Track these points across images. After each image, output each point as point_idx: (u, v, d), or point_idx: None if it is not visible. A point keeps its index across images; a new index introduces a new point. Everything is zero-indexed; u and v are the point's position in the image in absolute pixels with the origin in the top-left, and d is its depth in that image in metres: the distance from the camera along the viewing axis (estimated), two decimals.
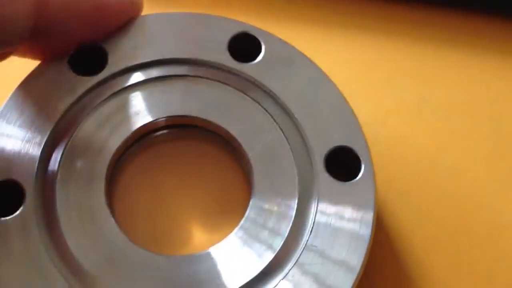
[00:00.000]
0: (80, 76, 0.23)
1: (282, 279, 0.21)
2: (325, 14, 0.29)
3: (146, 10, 0.25)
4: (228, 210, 0.24)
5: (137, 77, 0.24)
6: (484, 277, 0.24)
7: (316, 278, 0.20)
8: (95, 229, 0.21)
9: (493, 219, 0.25)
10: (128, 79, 0.24)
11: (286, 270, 0.21)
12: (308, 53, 0.25)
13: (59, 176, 0.22)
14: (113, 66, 0.24)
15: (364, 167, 0.22)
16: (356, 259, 0.21)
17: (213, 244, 0.22)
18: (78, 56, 0.24)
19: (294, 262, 0.21)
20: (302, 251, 0.21)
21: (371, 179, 0.22)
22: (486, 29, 0.28)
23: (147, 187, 0.24)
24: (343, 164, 0.23)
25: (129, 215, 0.23)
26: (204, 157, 0.25)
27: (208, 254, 0.21)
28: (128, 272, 0.21)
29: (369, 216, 0.22)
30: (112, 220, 0.22)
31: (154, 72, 0.24)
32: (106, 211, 0.22)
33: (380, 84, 0.28)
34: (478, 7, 0.29)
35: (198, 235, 0.24)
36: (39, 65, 0.24)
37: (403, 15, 0.29)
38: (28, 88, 0.23)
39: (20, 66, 0.24)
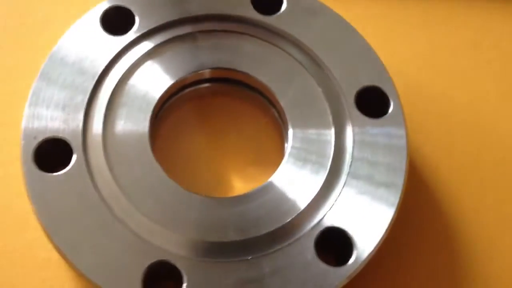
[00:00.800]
0: (113, 35, 0.24)
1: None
2: None
3: None
4: (262, 161, 0.25)
5: (168, 34, 0.25)
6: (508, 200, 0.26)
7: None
8: (143, 175, 0.22)
9: (489, 132, 0.27)
10: (159, 36, 0.25)
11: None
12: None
13: (103, 129, 0.23)
14: (143, 25, 0.24)
15: (393, 103, 0.24)
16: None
17: (253, 187, 0.23)
18: (108, 17, 0.24)
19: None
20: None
21: (400, 114, 0.24)
22: None
23: (185, 138, 0.25)
24: (372, 104, 0.24)
25: (172, 162, 0.24)
26: (237, 109, 0.26)
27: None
28: (181, 215, 0.22)
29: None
30: (159, 166, 0.22)
31: (184, 29, 0.25)
32: (152, 158, 0.23)
33: (394, 33, 0.29)
34: None
35: (237, 182, 0.25)
36: (72, 26, 0.24)
37: None
38: (65, 48, 0.24)
39: None
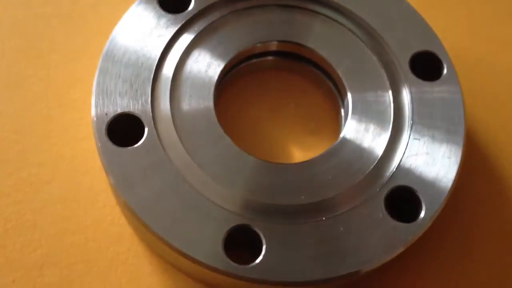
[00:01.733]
0: (171, 14, 0.25)
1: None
2: None
3: None
4: (320, 131, 0.26)
5: (224, 10, 0.25)
6: None
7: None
8: (213, 146, 0.23)
9: None
10: (217, 12, 0.25)
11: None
12: None
13: (170, 102, 0.23)
14: (200, 2, 0.25)
15: (447, 66, 0.25)
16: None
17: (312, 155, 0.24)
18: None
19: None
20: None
21: (454, 75, 0.25)
22: None
23: (246, 109, 0.26)
24: (426, 68, 0.25)
25: (237, 131, 0.25)
26: (295, 81, 0.27)
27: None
28: (254, 181, 0.22)
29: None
30: (227, 137, 0.23)
31: (239, 5, 0.25)
32: (219, 128, 0.23)
33: (433, 4, 0.30)
34: None
35: (296, 151, 0.25)
36: (132, 6, 0.25)
37: None
38: (127, 28, 0.24)
39: None
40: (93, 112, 0.23)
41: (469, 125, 0.27)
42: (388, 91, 0.24)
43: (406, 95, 0.24)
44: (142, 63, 0.24)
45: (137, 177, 0.22)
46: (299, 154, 0.25)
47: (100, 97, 0.23)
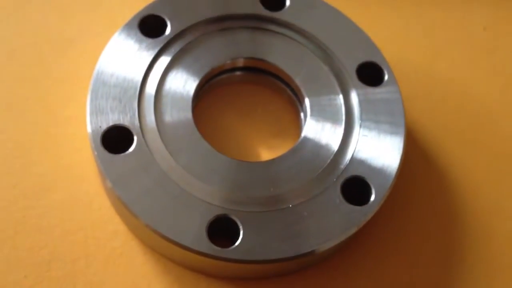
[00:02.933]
0: (151, 38, 0.29)
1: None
2: None
3: None
4: (283, 132, 0.30)
5: (195, 34, 0.29)
6: (481, 146, 0.32)
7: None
8: (194, 149, 0.27)
9: (481, 107, 0.33)
10: (189, 36, 0.29)
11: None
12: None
13: (155, 113, 0.27)
14: (175, 28, 0.29)
15: (387, 73, 0.29)
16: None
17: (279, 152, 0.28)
18: (145, 23, 0.29)
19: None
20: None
21: (393, 80, 0.29)
22: None
23: (218, 119, 0.30)
24: (370, 76, 0.29)
25: (214, 135, 0.29)
26: (260, 94, 0.31)
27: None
28: (231, 178, 0.26)
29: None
30: (205, 141, 0.27)
31: (209, 28, 0.30)
32: (197, 132, 0.27)
33: (373, 20, 0.34)
34: None
35: (263, 150, 0.30)
36: (116, 33, 0.29)
37: None
38: (113, 52, 0.28)
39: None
40: (88, 125, 0.26)
41: (409, 126, 0.31)
42: (339, 95, 0.29)
43: (354, 98, 0.29)
44: (128, 82, 0.28)
45: (129, 178, 0.26)
46: (266, 154, 0.29)
47: (94, 113, 0.27)
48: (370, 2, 0.35)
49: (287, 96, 0.30)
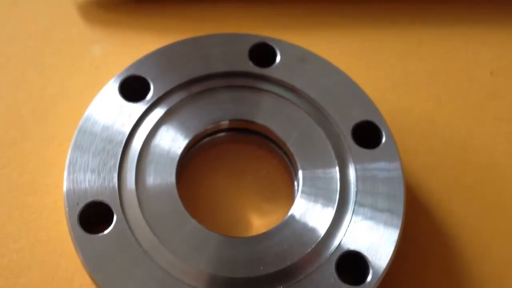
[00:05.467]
0: (132, 102, 0.27)
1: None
2: (313, 20, 0.34)
3: (170, 40, 0.29)
4: (275, 197, 0.28)
5: (179, 96, 0.28)
6: (488, 203, 0.30)
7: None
8: (177, 224, 0.25)
9: (487, 160, 0.31)
10: (172, 99, 0.28)
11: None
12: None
13: (136, 186, 0.26)
14: (158, 90, 0.27)
15: (385, 134, 0.27)
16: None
17: (271, 226, 0.26)
18: (126, 86, 0.27)
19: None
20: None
21: (392, 142, 0.27)
22: (445, 6, 0.34)
23: (206, 185, 0.28)
24: (367, 136, 0.27)
25: (199, 207, 0.27)
26: (248, 154, 0.29)
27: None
28: (212, 255, 0.25)
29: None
30: (190, 216, 0.25)
31: (193, 89, 0.28)
32: (182, 208, 0.25)
33: (373, 67, 0.32)
34: None
35: (255, 219, 0.28)
36: (95, 98, 0.27)
37: (377, 7, 0.34)
38: (92, 119, 0.27)
39: None
40: (65, 202, 0.25)
41: (410, 183, 0.29)
42: (335, 167, 0.27)
43: (351, 170, 0.27)
44: (108, 151, 0.26)
45: (108, 259, 0.24)
46: (258, 221, 0.28)
47: (71, 187, 0.25)
48: (367, 51, 0.33)
49: (278, 157, 0.29)
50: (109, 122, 0.27)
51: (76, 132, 0.26)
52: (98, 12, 0.32)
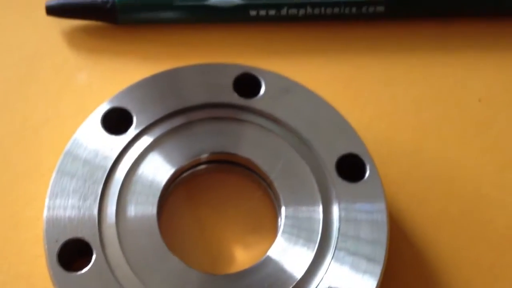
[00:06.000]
0: (114, 135, 0.27)
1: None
2: (300, 47, 0.33)
3: (146, 74, 0.29)
4: (259, 231, 0.28)
5: (162, 128, 0.27)
6: (474, 237, 0.29)
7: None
8: (157, 262, 0.25)
9: (475, 192, 0.30)
10: (155, 131, 0.27)
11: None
12: (299, 79, 0.29)
13: (116, 223, 0.25)
14: (140, 122, 0.27)
15: (369, 167, 0.27)
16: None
17: (254, 259, 0.26)
18: (109, 118, 0.27)
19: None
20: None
21: (376, 176, 0.27)
22: (438, 31, 0.34)
23: (189, 219, 0.28)
24: (352, 168, 0.27)
25: (178, 244, 0.27)
26: (232, 186, 0.29)
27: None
28: None
29: (382, 205, 0.26)
30: (170, 253, 0.25)
31: (176, 121, 0.28)
32: (163, 245, 0.25)
33: (361, 94, 0.32)
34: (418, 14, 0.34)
35: (238, 254, 0.28)
36: (77, 131, 0.27)
37: (365, 34, 0.34)
38: (74, 152, 0.26)
39: None
40: (44, 239, 0.25)
41: (395, 215, 0.29)
42: (319, 205, 0.26)
43: (335, 210, 0.26)
44: (89, 187, 0.26)
45: None
46: (241, 256, 0.27)
47: (51, 224, 0.25)
48: (355, 77, 0.32)
49: (263, 189, 0.28)
50: (90, 156, 0.26)
51: (56, 167, 0.26)
52: (83, 38, 0.32)
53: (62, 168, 0.26)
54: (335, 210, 0.26)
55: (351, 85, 0.32)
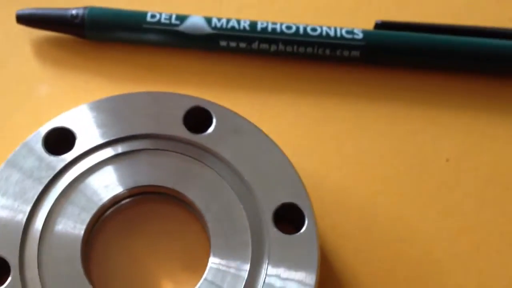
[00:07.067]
0: (54, 156, 0.27)
1: None
2: (269, 82, 0.32)
3: (107, 92, 0.28)
4: (191, 268, 0.27)
5: (103, 154, 0.27)
6: None
7: None
8: None
9: (425, 256, 0.29)
10: (95, 156, 0.27)
11: None
12: (256, 117, 0.28)
13: (40, 247, 0.25)
14: (83, 145, 0.27)
15: (307, 220, 0.26)
16: None
17: None
18: (51, 136, 0.27)
19: None
20: None
21: (313, 231, 0.26)
22: (410, 83, 0.33)
23: (119, 250, 0.27)
24: (291, 218, 0.26)
25: (104, 276, 0.26)
26: (168, 220, 0.28)
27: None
28: None
29: (312, 271, 0.25)
30: (87, 282, 0.25)
31: (119, 148, 0.27)
32: (82, 274, 0.25)
33: (324, 140, 0.31)
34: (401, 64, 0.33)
35: None
36: (19, 146, 0.27)
37: (337, 77, 0.33)
38: (12, 166, 0.26)
39: None
40: None
41: (338, 268, 0.28)
42: (247, 262, 0.25)
43: (262, 273, 0.25)
44: (18, 205, 0.25)
45: None
46: None
47: None
48: (320, 121, 0.31)
49: (198, 225, 0.27)
50: (26, 174, 0.26)
51: None
52: (51, 49, 0.32)
53: None
54: (262, 272, 0.25)
55: (315, 129, 0.31)
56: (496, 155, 0.31)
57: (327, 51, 0.31)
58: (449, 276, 0.28)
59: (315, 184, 0.29)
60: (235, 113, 0.28)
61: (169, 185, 0.27)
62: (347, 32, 0.31)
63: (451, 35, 0.32)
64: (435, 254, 0.29)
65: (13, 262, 0.24)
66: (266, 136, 0.28)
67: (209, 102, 0.28)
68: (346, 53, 0.31)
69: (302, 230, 0.26)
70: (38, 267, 0.24)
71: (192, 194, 0.27)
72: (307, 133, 0.31)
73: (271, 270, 0.25)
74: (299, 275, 0.25)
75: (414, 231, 0.29)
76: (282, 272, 0.25)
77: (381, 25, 0.32)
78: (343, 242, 0.29)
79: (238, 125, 0.28)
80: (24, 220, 0.25)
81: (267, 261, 0.25)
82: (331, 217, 0.29)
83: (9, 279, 0.24)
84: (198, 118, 0.28)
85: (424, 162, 0.31)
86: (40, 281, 0.24)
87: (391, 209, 0.30)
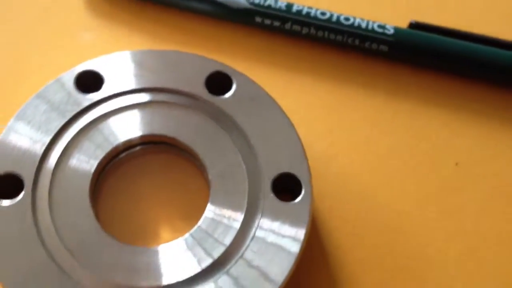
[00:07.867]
0: (82, 94, 0.29)
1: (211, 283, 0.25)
2: (295, 62, 0.34)
3: (144, 47, 0.30)
4: (189, 217, 0.28)
5: (126, 100, 0.29)
6: None
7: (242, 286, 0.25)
8: (78, 221, 0.26)
9: (419, 250, 0.29)
10: (119, 101, 0.29)
11: (217, 276, 0.25)
12: (277, 93, 0.30)
13: (54, 174, 0.27)
14: (108, 89, 0.29)
15: (304, 192, 0.27)
16: (280, 271, 0.25)
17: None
18: (83, 77, 0.29)
19: (226, 270, 0.25)
20: (236, 261, 0.26)
21: (308, 202, 0.27)
22: (431, 84, 0.33)
23: (125, 191, 0.29)
24: (291, 189, 0.27)
25: (108, 212, 0.28)
26: (175, 171, 0.30)
27: (155, 250, 0.26)
28: (94, 253, 0.26)
29: (301, 233, 0.26)
30: (92, 215, 0.27)
31: (141, 97, 0.29)
32: (89, 210, 0.27)
33: (336, 126, 0.32)
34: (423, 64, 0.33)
35: (162, 235, 0.28)
36: (52, 81, 0.29)
37: (361, 67, 0.34)
38: (42, 98, 0.28)
39: None
40: None
41: (319, 233, 0.29)
42: (241, 214, 0.27)
43: (255, 222, 0.26)
44: (41, 132, 0.28)
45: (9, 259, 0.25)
46: (167, 236, 0.28)
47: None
48: (336, 108, 0.32)
49: (202, 180, 0.29)
50: (53, 106, 0.28)
51: (24, 104, 0.28)
52: (102, 4, 0.35)
53: (28, 106, 0.28)
54: (254, 226, 0.26)
55: (331, 114, 0.32)
56: (506, 166, 0.31)
57: (356, 41, 0.32)
58: (436, 274, 0.29)
59: (321, 165, 0.30)
60: (255, 83, 0.29)
61: (181, 138, 0.28)
62: (379, 26, 0.32)
63: (480, 44, 0.32)
64: (428, 251, 0.29)
65: (28, 181, 0.27)
66: (280, 108, 0.29)
67: (231, 69, 0.30)
68: (374, 46, 0.32)
69: (297, 200, 0.27)
70: (49, 192, 0.27)
71: (200, 149, 0.28)
72: (323, 116, 0.32)
73: (263, 224, 0.26)
74: (290, 231, 0.26)
75: (410, 226, 0.30)
76: (273, 228, 0.26)
77: (415, 25, 0.33)
78: (338, 224, 0.30)
79: (256, 94, 0.29)
80: (44, 148, 0.27)
81: (259, 216, 0.26)
82: (331, 198, 0.30)
83: (22, 192, 0.26)
84: (219, 82, 0.29)
85: (433, 162, 0.31)
86: (49, 201, 0.26)
87: (391, 201, 0.30)
